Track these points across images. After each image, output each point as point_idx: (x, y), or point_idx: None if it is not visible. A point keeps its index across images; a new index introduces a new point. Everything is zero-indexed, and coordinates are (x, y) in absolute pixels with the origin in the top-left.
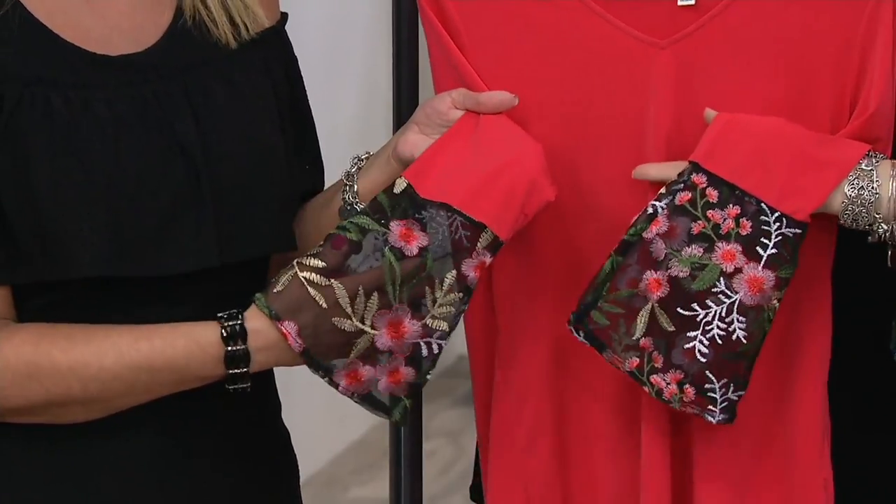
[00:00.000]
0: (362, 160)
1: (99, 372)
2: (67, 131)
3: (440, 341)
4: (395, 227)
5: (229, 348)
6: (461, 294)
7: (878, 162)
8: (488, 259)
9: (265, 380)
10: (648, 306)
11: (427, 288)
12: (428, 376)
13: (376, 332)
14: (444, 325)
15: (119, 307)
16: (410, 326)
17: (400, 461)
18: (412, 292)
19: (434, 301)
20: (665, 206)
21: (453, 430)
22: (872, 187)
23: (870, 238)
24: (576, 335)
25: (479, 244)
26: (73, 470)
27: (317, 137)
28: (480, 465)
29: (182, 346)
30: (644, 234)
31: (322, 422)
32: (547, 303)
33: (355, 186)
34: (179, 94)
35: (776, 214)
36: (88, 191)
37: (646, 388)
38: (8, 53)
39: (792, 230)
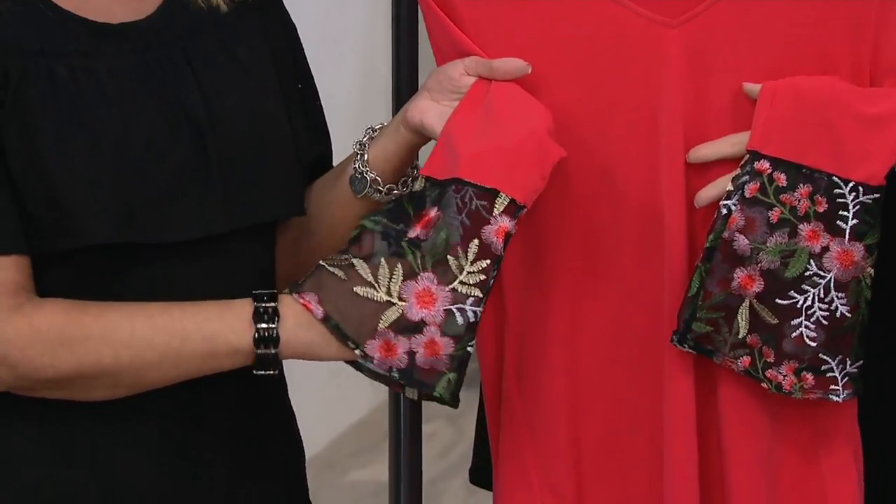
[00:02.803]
0: (375, 130)
1: (131, 337)
2: (73, 101)
3: (475, 308)
4: (416, 221)
5: (258, 304)
6: (488, 261)
7: None
8: (509, 223)
9: None
10: (746, 303)
11: (449, 256)
12: (470, 348)
13: (405, 303)
14: (477, 292)
15: (127, 274)
16: (439, 293)
17: (400, 443)
18: (434, 261)
19: (461, 268)
20: (737, 202)
21: (453, 412)
22: None
23: None
24: (681, 348)
25: (495, 209)
26: (80, 450)
27: (320, 104)
28: (491, 450)
29: (214, 310)
30: (723, 235)
31: (321, 404)
32: (560, 282)
33: (366, 155)
34: (181, 60)
35: (850, 185)
36: (96, 159)
37: (764, 385)
38: (10, 26)
39: (870, 196)
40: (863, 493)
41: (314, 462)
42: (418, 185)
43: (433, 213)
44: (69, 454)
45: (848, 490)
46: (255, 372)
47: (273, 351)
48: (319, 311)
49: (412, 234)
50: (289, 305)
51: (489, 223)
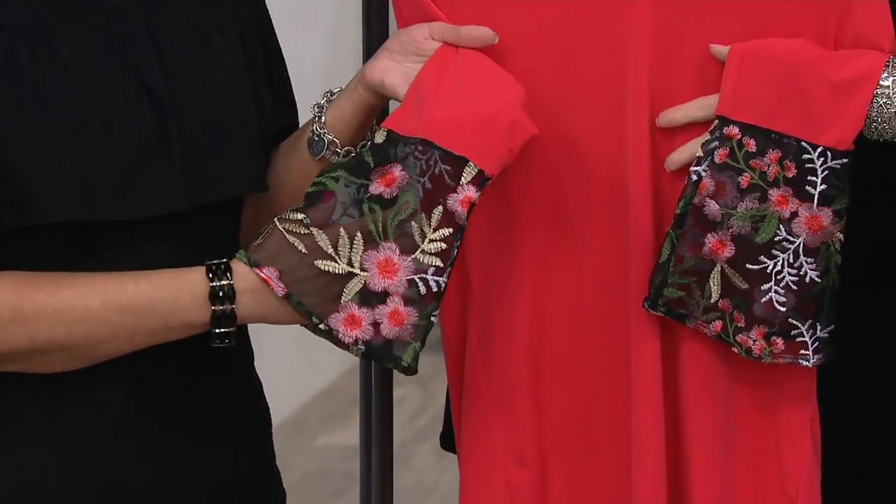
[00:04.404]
0: (333, 94)
1: (85, 314)
2: (32, 77)
3: (437, 278)
4: (377, 176)
5: (214, 283)
6: (451, 229)
7: (895, 71)
8: (475, 194)
9: (238, 328)
10: (717, 268)
11: (412, 223)
12: (433, 318)
13: (367, 273)
14: (438, 261)
15: (89, 253)
16: (401, 263)
17: (370, 408)
18: (396, 229)
19: (423, 236)
20: (707, 168)
21: (423, 376)
22: (891, 101)
23: None
24: (654, 313)
25: (462, 178)
26: (37, 422)
27: (288, 78)
28: (453, 418)
29: (168, 287)
30: (694, 201)
31: (291, 369)
32: (525, 249)
33: (323, 118)
34: (144, 36)
35: (819, 150)
36: (54, 136)
37: (735, 350)
38: None
39: (838, 161)
40: (819, 461)
41: (284, 426)
42: (379, 138)
43: (398, 171)
44: (27, 427)
45: (804, 460)
46: (210, 344)
47: (229, 329)
48: (281, 289)
49: (374, 189)
50: (245, 278)
51: (455, 192)
